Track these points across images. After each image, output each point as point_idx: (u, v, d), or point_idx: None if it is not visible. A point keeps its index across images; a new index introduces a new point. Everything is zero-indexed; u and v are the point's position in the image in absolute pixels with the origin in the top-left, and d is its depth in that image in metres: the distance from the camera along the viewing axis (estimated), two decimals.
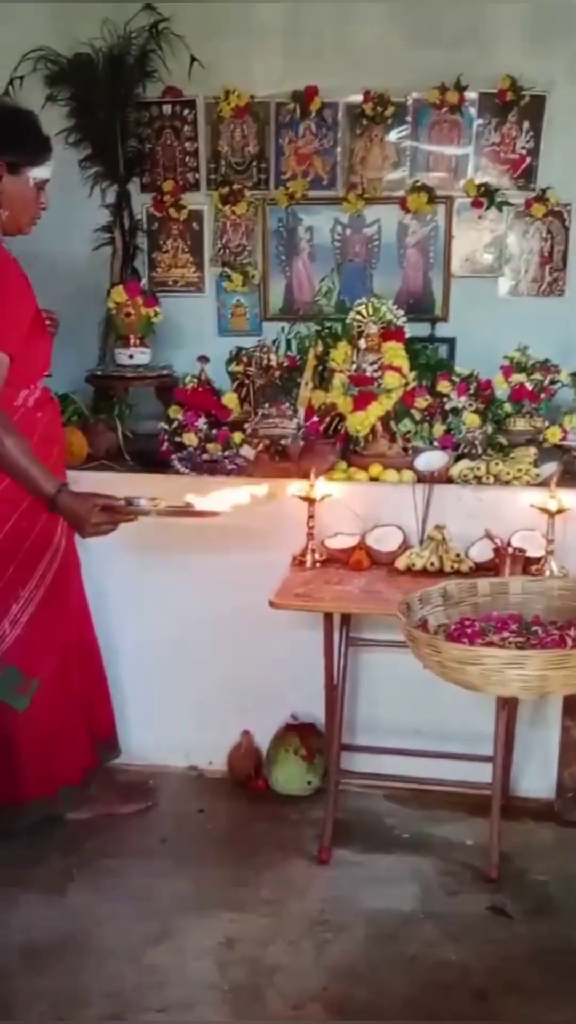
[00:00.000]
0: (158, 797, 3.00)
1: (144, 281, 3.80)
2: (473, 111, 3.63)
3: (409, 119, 3.67)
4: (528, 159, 3.64)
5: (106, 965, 2.31)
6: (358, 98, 3.65)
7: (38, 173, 2.54)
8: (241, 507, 2.40)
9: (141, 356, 3.50)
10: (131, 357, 3.49)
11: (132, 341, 3.48)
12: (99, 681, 2.96)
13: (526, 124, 3.62)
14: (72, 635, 2.78)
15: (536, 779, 2.96)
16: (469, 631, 1.85)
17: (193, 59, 3.61)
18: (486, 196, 3.64)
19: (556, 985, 2.23)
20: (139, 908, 2.51)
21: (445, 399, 3.10)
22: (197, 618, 3.04)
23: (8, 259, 2.44)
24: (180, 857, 2.72)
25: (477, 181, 3.64)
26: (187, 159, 3.84)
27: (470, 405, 3.08)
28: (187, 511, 2.36)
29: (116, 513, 2.37)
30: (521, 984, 2.24)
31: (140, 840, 2.81)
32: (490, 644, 1.79)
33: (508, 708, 2.71)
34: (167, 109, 3.80)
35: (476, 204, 3.65)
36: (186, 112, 3.80)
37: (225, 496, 2.38)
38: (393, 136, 3.69)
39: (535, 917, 2.48)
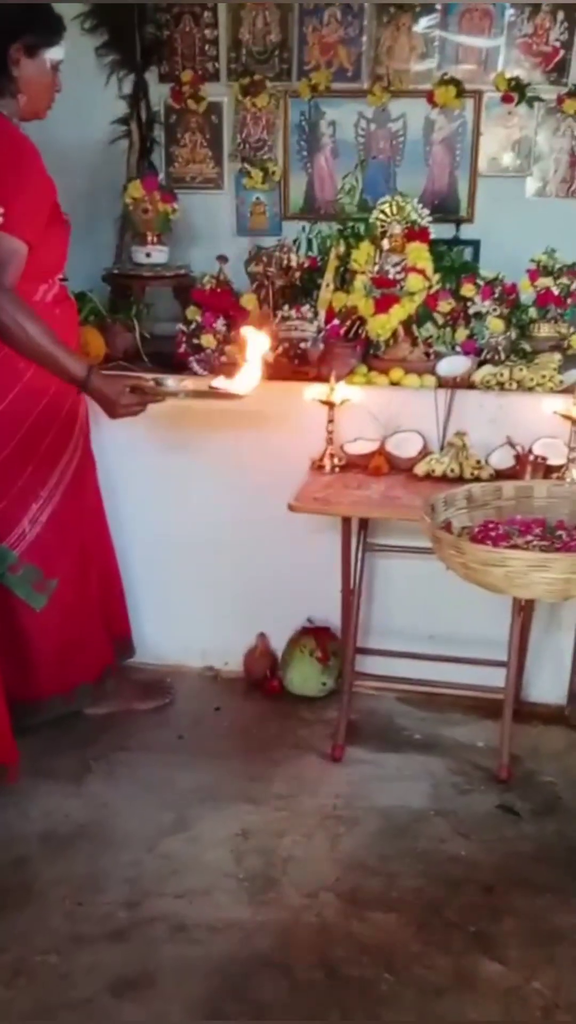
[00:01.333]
0: (175, 695, 3.04)
1: (161, 176, 3.70)
2: None
3: (438, 7, 3.51)
4: (561, 52, 3.49)
5: (124, 852, 2.38)
6: None
7: (54, 54, 2.46)
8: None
9: (158, 254, 3.42)
10: (148, 255, 3.41)
11: (149, 239, 3.41)
12: (114, 581, 2.98)
13: (560, 15, 3.46)
14: (89, 534, 2.78)
15: (548, 684, 2.99)
16: (493, 534, 1.85)
17: None
18: (516, 90, 3.50)
19: (561, 881, 2.29)
20: (156, 799, 2.57)
21: (469, 303, 3.04)
22: (214, 521, 3.04)
23: (30, 146, 2.38)
24: (196, 751, 2.78)
25: (508, 75, 3.50)
26: (207, 47, 3.69)
27: (494, 310, 3.01)
28: (212, 393, 2.45)
29: (145, 394, 2.43)
30: (527, 880, 2.30)
31: (157, 735, 2.86)
32: (514, 547, 1.78)
33: (523, 613, 2.72)
34: None
35: (506, 99, 3.51)
36: None
37: (247, 378, 2.45)
38: (422, 25, 3.54)
39: (543, 817, 2.53)
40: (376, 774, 2.69)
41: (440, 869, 2.33)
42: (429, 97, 3.55)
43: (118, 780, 2.66)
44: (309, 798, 2.58)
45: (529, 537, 1.85)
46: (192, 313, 3.13)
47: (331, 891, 2.25)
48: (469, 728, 2.89)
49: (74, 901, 2.22)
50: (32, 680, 2.69)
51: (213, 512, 3.04)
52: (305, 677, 3.01)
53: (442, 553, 1.80)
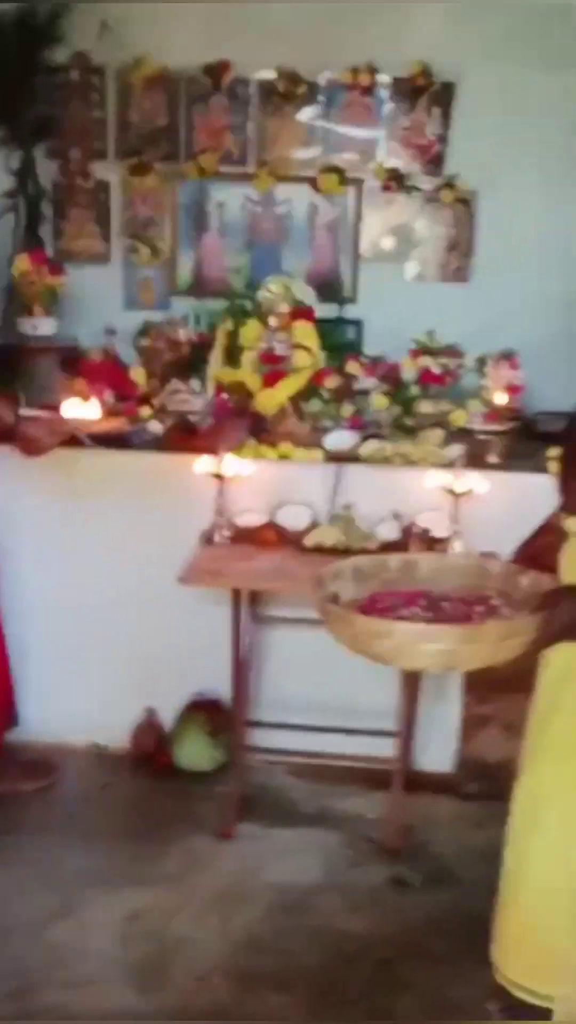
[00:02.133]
0: (60, 773, 2.96)
1: (49, 250, 3.71)
2: (385, 94, 3.66)
3: (321, 99, 3.68)
4: (437, 145, 3.69)
5: (9, 942, 2.29)
6: (271, 74, 3.64)
7: None
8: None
9: (45, 326, 3.41)
10: (35, 327, 3.40)
11: (36, 311, 3.40)
12: None
13: (436, 111, 3.66)
14: None
15: (437, 754, 3.02)
16: (379, 606, 1.88)
17: (104, 24, 3.53)
18: (395, 180, 3.68)
19: (456, 951, 2.28)
20: (42, 883, 2.48)
21: (353, 380, 3.13)
22: (102, 593, 3.01)
23: None
24: (84, 832, 2.70)
25: (387, 165, 3.68)
26: (95, 127, 3.76)
27: (378, 387, 3.11)
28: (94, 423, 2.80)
29: (56, 433, 2.67)
30: (423, 951, 2.30)
31: (42, 816, 2.77)
32: (400, 619, 1.82)
33: (411, 684, 2.76)
34: (76, 75, 3.72)
35: (386, 188, 3.69)
36: (95, 79, 3.73)
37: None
38: (305, 115, 3.69)
39: (435, 887, 2.54)
40: (268, 850, 2.66)
41: (335, 944, 2.32)
42: (312, 183, 3.69)
43: (3, 864, 2.56)
44: (201, 877, 2.54)
45: (414, 608, 1.89)
46: (79, 385, 3.12)
47: (224, 972, 2.21)
48: (359, 799, 2.90)
49: None
50: None
51: (100, 585, 3.01)
52: (195, 752, 2.97)
53: (331, 626, 1.82)
